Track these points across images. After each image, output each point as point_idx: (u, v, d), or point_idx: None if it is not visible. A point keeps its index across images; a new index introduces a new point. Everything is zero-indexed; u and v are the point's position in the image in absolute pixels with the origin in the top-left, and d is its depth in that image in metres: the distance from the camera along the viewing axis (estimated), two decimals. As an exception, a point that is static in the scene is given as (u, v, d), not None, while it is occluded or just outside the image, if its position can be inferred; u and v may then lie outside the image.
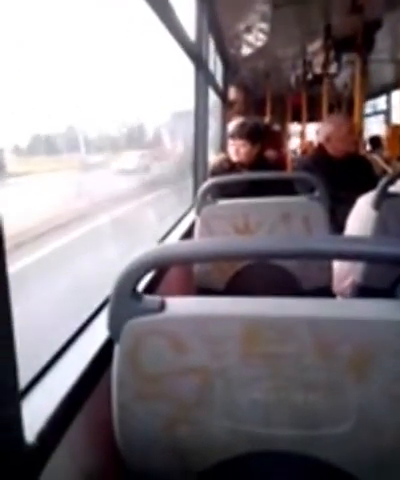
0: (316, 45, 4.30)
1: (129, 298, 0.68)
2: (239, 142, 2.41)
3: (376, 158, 4.99)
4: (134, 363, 0.70)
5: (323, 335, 0.65)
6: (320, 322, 0.66)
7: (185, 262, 1.08)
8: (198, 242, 0.79)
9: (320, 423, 0.68)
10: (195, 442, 0.72)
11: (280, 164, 4.37)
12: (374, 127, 8.64)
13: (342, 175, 2.40)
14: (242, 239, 0.73)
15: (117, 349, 0.70)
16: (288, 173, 2.71)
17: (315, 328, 0.65)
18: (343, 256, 0.69)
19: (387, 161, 5.15)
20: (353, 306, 0.71)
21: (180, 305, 0.72)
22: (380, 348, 0.65)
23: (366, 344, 0.65)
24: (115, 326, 0.69)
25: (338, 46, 4.15)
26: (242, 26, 3.57)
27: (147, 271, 0.67)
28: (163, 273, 1.45)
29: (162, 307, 0.69)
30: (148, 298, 0.71)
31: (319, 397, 0.67)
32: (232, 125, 2.51)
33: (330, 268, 1.67)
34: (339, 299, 1.74)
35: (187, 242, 0.70)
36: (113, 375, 0.71)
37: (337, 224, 1.87)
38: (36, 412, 0.66)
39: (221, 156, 2.72)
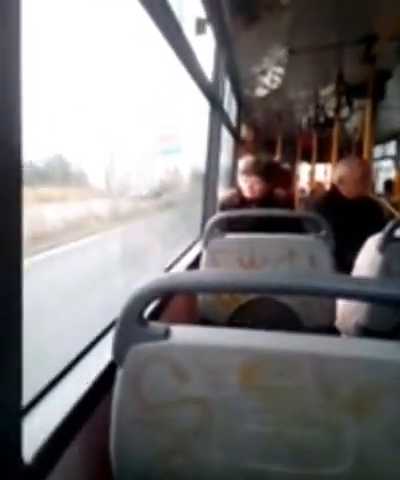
0: (328, 90, 4.44)
1: (135, 323, 0.69)
2: (254, 179, 2.45)
3: (384, 201, 5.04)
4: (135, 389, 0.69)
5: (325, 372, 0.65)
6: (322, 359, 0.65)
7: (191, 291, 1.09)
8: (205, 272, 0.80)
9: (317, 462, 0.67)
10: (190, 474, 0.71)
11: (288, 202, 4.42)
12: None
13: (353, 217, 2.42)
14: (247, 273, 0.73)
15: (120, 374, 0.70)
16: (296, 211, 2.74)
17: (317, 364, 0.65)
18: (345, 295, 0.69)
19: (395, 205, 5.20)
20: (356, 345, 0.71)
21: (185, 333, 0.72)
22: (382, 389, 0.64)
23: (368, 384, 0.64)
24: (119, 350, 0.69)
25: (350, 92, 4.28)
26: (258, 69, 3.71)
27: (154, 298, 0.68)
28: (167, 301, 1.45)
29: (167, 334, 0.70)
30: (154, 325, 0.71)
31: (317, 435, 0.66)
32: (244, 162, 2.56)
33: (333, 308, 1.66)
34: (344, 337, 1.72)
35: (194, 272, 0.71)
36: (114, 399, 0.71)
37: (345, 264, 1.87)
38: (36, 432, 0.66)
39: (232, 191, 2.76)
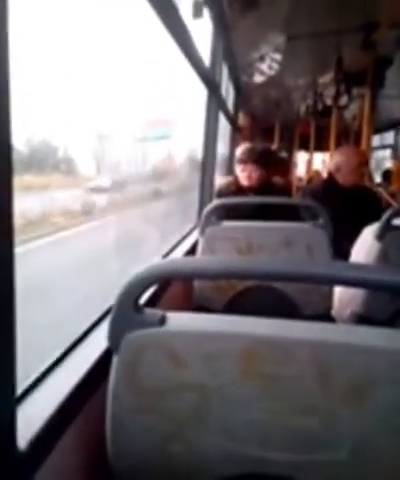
0: (327, 77, 4.39)
1: (131, 310, 0.68)
2: (251, 167, 2.43)
3: (381, 191, 5.03)
4: (131, 376, 0.69)
5: (322, 359, 0.64)
6: (320, 346, 0.65)
7: (186, 278, 1.08)
8: (200, 259, 0.79)
9: (314, 448, 0.67)
10: (187, 461, 0.71)
11: (286, 190, 4.41)
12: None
13: (349, 205, 2.42)
14: (243, 259, 0.73)
15: (115, 361, 0.70)
16: (294, 199, 2.73)
17: (315, 352, 0.65)
18: (343, 282, 0.68)
19: (392, 195, 5.19)
20: (354, 332, 0.70)
21: (181, 320, 0.71)
22: (378, 376, 0.64)
23: (364, 371, 0.64)
24: (115, 337, 0.69)
25: (349, 80, 4.24)
26: (256, 55, 3.67)
27: (150, 285, 0.67)
28: (164, 288, 1.45)
29: (163, 321, 0.69)
30: (149, 311, 0.71)
31: (315, 422, 0.66)
32: (240, 150, 2.54)
33: (330, 295, 1.66)
34: (340, 325, 1.73)
35: (190, 258, 0.70)
36: (109, 387, 0.71)
37: (342, 253, 1.87)
38: (30, 419, 0.65)
39: (229, 179, 2.74)
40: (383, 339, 0.66)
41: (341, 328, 0.72)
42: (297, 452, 0.67)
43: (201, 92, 2.54)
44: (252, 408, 0.67)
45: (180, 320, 0.71)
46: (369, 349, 0.64)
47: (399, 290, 0.62)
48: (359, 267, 0.66)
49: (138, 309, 0.69)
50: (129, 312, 0.68)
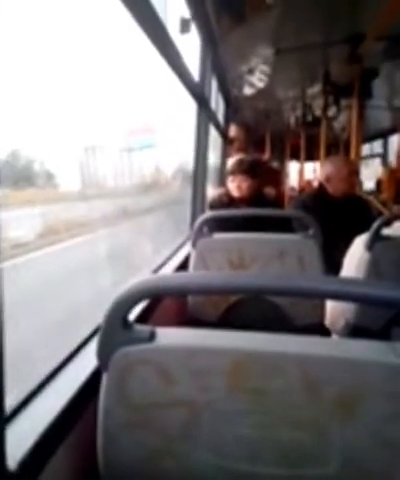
0: (316, 89, 4.46)
1: (120, 327, 0.68)
2: (240, 178, 2.46)
3: (373, 200, 5.07)
4: (121, 392, 0.69)
5: (311, 373, 0.65)
6: (309, 360, 0.65)
7: (176, 294, 1.08)
8: (191, 275, 0.79)
9: (305, 462, 0.67)
10: (178, 476, 0.70)
11: (278, 201, 4.44)
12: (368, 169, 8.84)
13: (340, 215, 2.43)
14: (234, 274, 0.73)
15: (105, 378, 0.69)
16: (284, 210, 2.75)
17: (303, 365, 0.65)
18: (333, 296, 0.69)
19: (383, 203, 5.24)
20: (343, 346, 0.71)
21: (170, 335, 0.71)
22: (368, 390, 0.64)
23: (354, 385, 0.64)
24: (104, 354, 0.69)
25: (337, 91, 4.31)
26: (245, 68, 3.71)
27: (138, 301, 0.67)
28: (156, 303, 1.45)
29: (152, 337, 0.69)
30: (138, 328, 0.71)
31: (304, 436, 0.66)
32: (231, 162, 2.57)
33: (322, 306, 1.66)
34: (334, 337, 1.72)
35: (178, 274, 0.70)
36: (100, 403, 0.70)
37: (334, 263, 1.88)
38: (20, 439, 0.65)
39: (220, 190, 2.76)
40: (373, 352, 0.66)
41: (330, 341, 0.72)
42: (287, 467, 0.67)
43: (187, 98, 2.53)
44: (241, 423, 0.67)
45: (169, 336, 0.71)
46: (358, 362, 0.64)
47: (387, 304, 0.62)
48: (346, 281, 0.66)
49: (127, 325, 0.69)
50: (118, 329, 0.68)
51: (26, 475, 0.62)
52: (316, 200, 2.57)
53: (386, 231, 1.61)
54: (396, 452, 0.64)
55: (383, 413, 0.64)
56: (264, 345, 0.68)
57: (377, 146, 8.60)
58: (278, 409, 0.66)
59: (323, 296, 0.72)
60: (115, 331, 0.68)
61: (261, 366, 0.66)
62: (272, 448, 0.67)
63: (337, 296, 0.67)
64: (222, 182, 3.92)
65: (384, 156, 8.27)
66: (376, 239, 1.58)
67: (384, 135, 7.88)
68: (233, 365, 0.66)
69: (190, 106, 2.64)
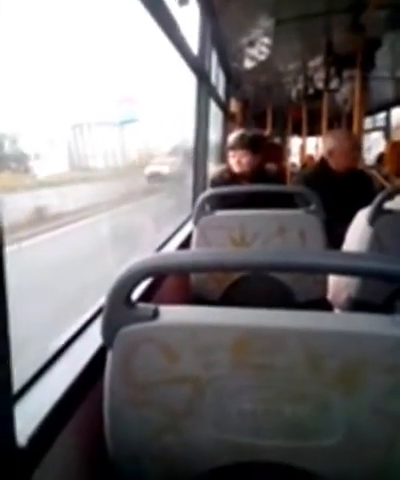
0: (317, 61, 4.36)
1: (123, 306, 0.69)
2: (240, 152, 2.43)
3: (375, 174, 5.02)
4: (126, 370, 0.70)
5: (314, 347, 0.66)
6: (311, 334, 0.66)
7: (178, 272, 1.09)
8: (192, 252, 0.80)
9: (307, 435, 0.68)
10: (183, 451, 0.73)
11: (280, 177, 4.40)
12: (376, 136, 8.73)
13: (343, 190, 2.42)
14: (236, 251, 0.73)
15: (110, 356, 0.71)
16: (285, 186, 2.73)
17: (305, 340, 0.66)
18: (335, 271, 0.70)
19: (386, 177, 5.19)
20: (345, 320, 0.72)
21: (173, 313, 0.72)
22: (370, 363, 0.65)
23: (356, 358, 0.65)
24: (108, 333, 0.70)
25: (339, 62, 4.21)
26: (245, 40, 3.62)
27: (141, 279, 0.68)
28: (160, 281, 1.46)
29: (155, 315, 0.70)
30: (142, 306, 0.71)
31: (307, 409, 0.67)
32: (232, 137, 2.54)
33: (325, 281, 1.68)
34: (337, 311, 1.74)
35: (181, 252, 0.71)
36: (105, 381, 0.72)
37: (336, 238, 1.88)
38: (29, 416, 0.66)
39: (222, 167, 2.74)
40: (375, 325, 0.67)
41: (332, 316, 0.73)
42: (291, 439, 0.69)
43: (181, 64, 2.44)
44: (245, 398, 0.69)
45: (173, 314, 0.72)
46: (360, 335, 0.65)
47: (389, 277, 0.63)
48: (348, 255, 0.67)
49: (130, 304, 0.70)
50: (121, 307, 0.69)
51: (36, 451, 0.64)
52: (318, 175, 2.55)
53: (388, 205, 1.61)
54: (397, 424, 0.66)
55: (385, 385, 0.65)
56: (267, 321, 0.69)
57: (380, 120, 8.46)
58: (281, 384, 0.67)
59: (325, 271, 0.73)
60: (118, 310, 0.69)
61: (264, 342, 0.67)
62: (275, 422, 0.69)
63: (339, 270, 0.68)
64: (223, 158, 3.89)
65: (387, 129, 8.14)
66: (378, 213, 1.58)
67: (387, 107, 7.73)
68: (236, 341, 0.67)
69: (185, 77, 2.55)
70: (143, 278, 0.68)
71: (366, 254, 1.26)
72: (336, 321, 0.70)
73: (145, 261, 0.68)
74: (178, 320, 0.71)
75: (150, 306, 0.72)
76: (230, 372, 0.68)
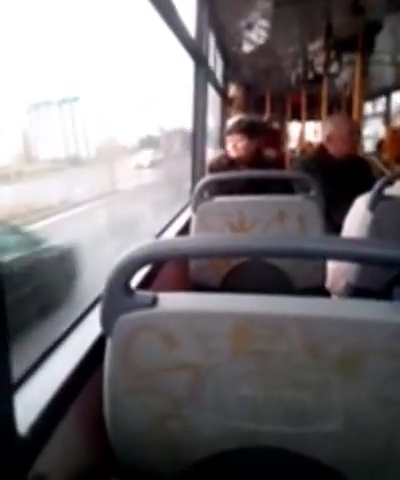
0: (317, 44, 4.29)
1: (121, 293, 0.68)
2: (237, 137, 2.43)
3: (375, 160, 5.00)
4: (126, 358, 0.70)
5: (313, 334, 0.65)
6: (310, 321, 0.66)
7: (177, 258, 1.08)
8: (190, 239, 0.79)
9: (308, 421, 0.69)
10: (185, 437, 0.73)
11: (278, 162, 4.38)
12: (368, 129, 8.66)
13: (342, 175, 2.40)
14: (234, 237, 0.73)
15: (109, 344, 0.70)
16: (284, 172, 2.72)
17: (305, 327, 0.66)
18: (335, 256, 0.69)
19: (386, 163, 5.16)
20: (344, 306, 0.71)
21: (172, 301, 0.72)
22: (369, 349, 0.65)
23: (356, 345, 0.65)
24: (107, 321, 0.69)
25: (339, 46, 4.15)
26: (243, 23, 3.56)
27: (140, 266, 0.67)
28: (158, 268, 1.45)
29: (154, 302, 0.70)
30: (140, 293, 0.71)
31: (307, 395, 0.67)
32: (230, 122, 2.53)
33: (324, 268, 1.67)
34: (334, 298, 1.75)
35: (179, 238, 0.70)
36: (105, 369, 0.72)
37: (335, 224, 1.88)
38: (29, 405, 0.66)
39: (220, 153, 2.72)
40: (374, 312, 0.67)
41: (330, 302, 0.73)
42: (291, 425, 0.69)
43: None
44: (245, 384, 0.69)
45: (172, 301, 0.72)
46: (360, 322, 0.65)
47: (388, 263, 0.62)
48: (348, 241, 0.66)
49: (129, 292, 0.69)
50: (120, 295, 0.68)
51: (36, 440, 0.64)
52: (317, 161, 2.53)
53: (388, 191, 1.60)
54: (397, 410, 0.66)
55: (384, 371, 0.65)
56: (265, 307, 0.69)
57: (380, 105, 8.39)
58: (281, 370, 0.67)
59: (324, 256, 0.72)
60: (117, 297, 0.68)
61: (263, 328, 0.67)
62: (275, 408, 0.69)
63: (338, 256, 0.67)
64: (222, 144, 3.86)
65: (387, 115, 8.08)
66: (378, 199, 1.57)
67: (387, 92, 7.66)
68: (235, 328, 0.67)
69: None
70: (141, 265, 0.67)
71: (365, 239, 1.25)
72: (336, 308, 0.70)
73: (143, 248, 0.67)
74: (177, 307, 0.70)
75: (149, 293, 0.72)
76: (230, 359, 0.68)
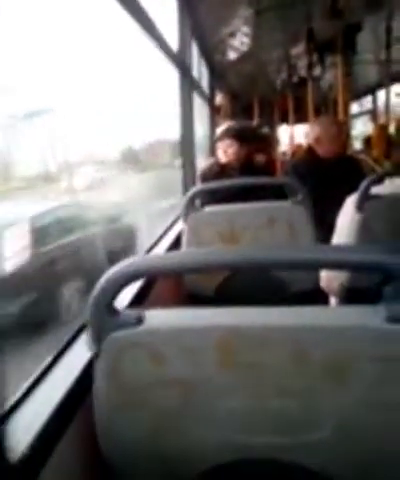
0: (299, 48, 4.34)
1: (106, 314, 0.68)
2: (226, 143, 2.45)
3: (365, 158, 5.02)
4: (115, 377, 0.70)
5: (299, 342, 0.66)
6: (295, 330, 0.66)
7: (162, 274, 1.07)
8: (173, 255, 0.79)
9: (298, 429, 0.68)
10: (178, 452, 0.73)
11: (269, 168, 4.40)
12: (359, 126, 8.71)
13: (332, 176, 2.41)
14: (222, 251, 0.72)
15: (97, 363, 0.70)
16: (272, 178, 2.72)
17: (290, 336, 0.66)
18: (324, 265, 0.70)
19: (376, 160, 5.19)
20: (330, 313, 0.72)
21: (159, 317, 0.72)
22: (356, 354, 0.65)
23: (341, 351, 0.65)
24: (95, 342, 0.69)
25: (321, 49, 4.20)
26: (226, 31, 3.60)
27: (124, 285, 0.67)
28: (152, 282, 1.45)
29: (140, 321, 0.69)
30: (126, 312, 0.71)
31: (296, 403, 0.67)
32: (219, 130, 2.55)
33: (317, 271, 1.68)
34: (332, 300, 1.75)
35: (161, 255, 0.71)
36: (94, 389, 0.71)
37: (327, 226, 1.88)
38: (20, 432, 0.65)
39: (210, 160, 2.74)
40: (359, 317, 0.67)
41: (316, 310, 0.73)
42: (282, 434, 0.69)
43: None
44: (234, 397, 0.69)
45: (158, 318, 0.72)
46: (345, 328, 0.65)
47: (371, 268, 0.63)
48: (333, 249, 0.67)
49: (113, 311, 0.69)
50: (105, 315, 0.68)
51: (30, 468, 0.63)
52: (307, 164, 2.54)
53: (377, 189, 1.59)
54: (386, 415, 0.66)
55: (371, 376, 0.65)
56: (250, 319, 0.69)
57: (367, 103, 8.46)
58: (269, 380, 0.67)
59: (313, 266, 0.72)
60: (102, 318, 0.68)
61: (248, 340, 0.67)
62: (266, 418, 0.69)
63: (327, 265, 0.68)
64: (212, 152, 3.88)
65: (374, 112, 8.14)
66: (365, 199, 1.55)
67: (373, 91, 7.72)
68: (221, 341, 0.67)
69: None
70: (125, 284, 0.67)
71: (351, 246, 1.24)
72: (321, 315, 0.70)
73: (123, 267, 0.67)
74: (163, 324, 0.70)
75: (134, 312, 0.71)
76: (217, 372, 0.68)
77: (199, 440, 0.71)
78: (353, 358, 0.65)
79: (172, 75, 2.48)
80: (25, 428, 0.67)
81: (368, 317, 0.66)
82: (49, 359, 0.89)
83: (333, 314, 0.70)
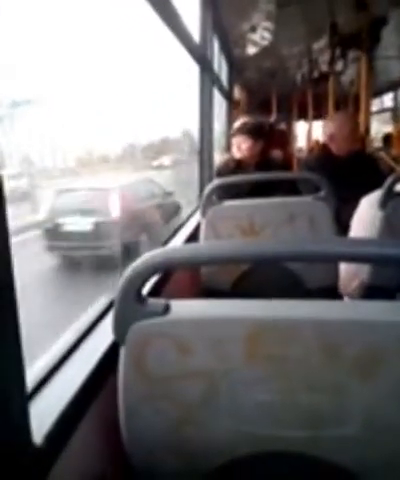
0: (321, 43, 4.27)
1: (133, 302, 0.68)
2: (240, 138, 2.43)
3: (384, 156, 4.95)
4: (140, 366, 0.70)
5: (328, 337, 0.65)
6: (325, 324, 0.66)
7: (188, 265, 1.08)
8: (201, 246, 0.79)
9: (325, 424, 0.68)
10: (201, 443, 0.73)
11: (286, 164, 4.36)
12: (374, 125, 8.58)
13: (347, 174, 2.37)
14: (245, 242, 0.72)
15: (122, 352, 0.71)
16: (293, 173, 2.70)
17: (320, 330, 0.65)
18: (347, 258, 0.69)
19: (395, 159, 5.10)
20: (358, 307, 0.71)
21: (184, 308, 0.72)
22: (385, 350, 0.64)
23: (371, 346, 0.64)
24: (120, 329, 0.70)
25: (344, 43, 4.12)
26: (247, 26, 3.56)
27: (151, 275, 0.67)
28: (169, 275, 1.46)
29: (166, 310, 0.70)
30: (152, 301, 0.71)
31: (324, 398, 0.67)
32: (235, 125, 2.53)
33: (336, 268, 1.66)
34: (346, 299, 1.73)
35: (190, 246, 0.70)
36: (119, 378, 0.72)
37: (342, 224, 1.85)
38: (43, 414, 0.67)
39: (227, 156, 2.72)
40: (388, 312, 0.66)
41: (344, 304, 0.73)
42: (307, 429, 0.69)
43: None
44: (260, 389, 0.68)
45: (184, 307, 0.72)
46: (374, 323, 0.65)
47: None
48: (363, 242, 0.66)
49: (141, 300, 0.69)
50: (132, 304, 0.68)
51: (51, 449, 0.64)
52: (321, 161, 2.51)
53: (398, 188, 1.57)
54: None
55: None
56: (278, 312, 0.69)
57: (388, 100, 8.31)
58: (296, 374, 0.67)
59: (337, 259, 0.71)
60: (129, 306, 0.68)
61: (277, 333, 0.66)
62: (292, 412, 0.69)
63: (352, 258, 0.67)
64: (228, 147, 3.86)
65: (395, 110, 8.00)
66: (389, 197, 1.54)
67: (395, 87, 7.58)
68: (249, 333, 0.67)
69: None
70: (153, 273, 0.68)
71: (378, 240, 1.24)
72: (349, 309, 0.69)
73: (153, 256, 0.67)
74: (189, 314, 0.70)
75: (161, 301, 0.72)
76: (244, 364, 0.68)
77: (223, 433, 0.71)
78: (382, 353, 0.64)
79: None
80: (48, 410, 0.68)
81: (397, 312, 0.65)
82: (72, 341, 0.90)
83: (362, 309, 0.69)
